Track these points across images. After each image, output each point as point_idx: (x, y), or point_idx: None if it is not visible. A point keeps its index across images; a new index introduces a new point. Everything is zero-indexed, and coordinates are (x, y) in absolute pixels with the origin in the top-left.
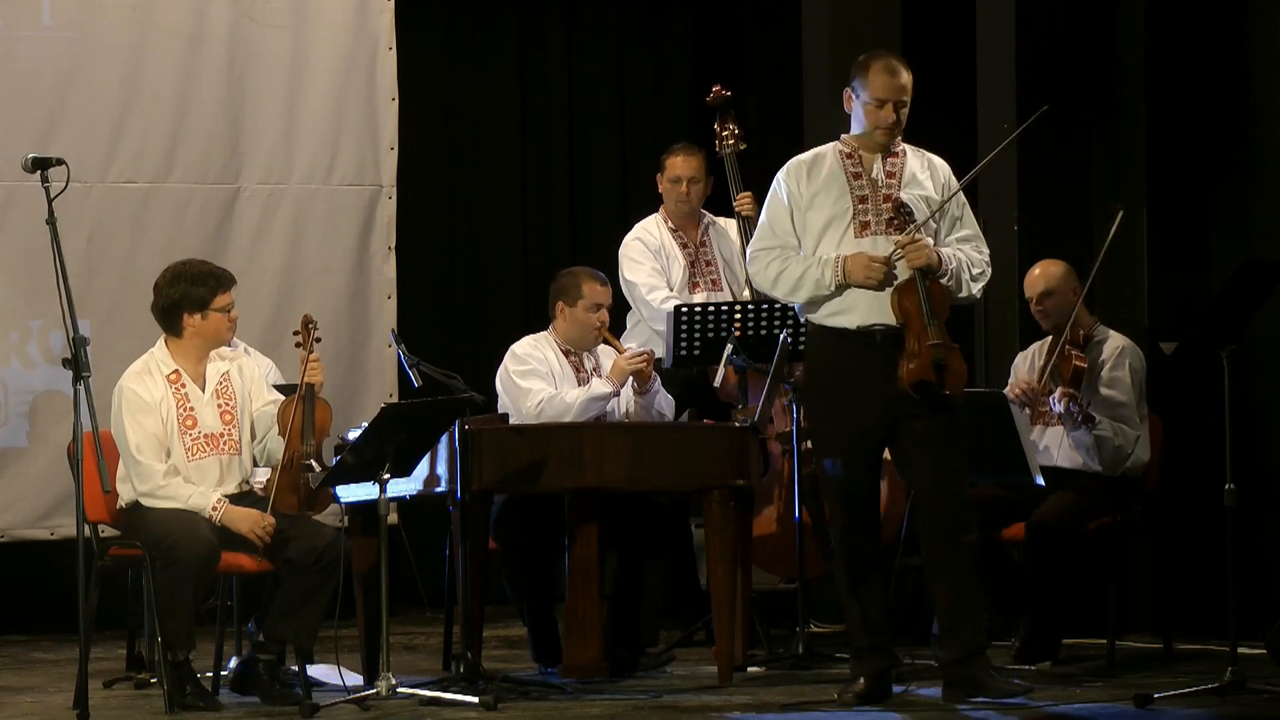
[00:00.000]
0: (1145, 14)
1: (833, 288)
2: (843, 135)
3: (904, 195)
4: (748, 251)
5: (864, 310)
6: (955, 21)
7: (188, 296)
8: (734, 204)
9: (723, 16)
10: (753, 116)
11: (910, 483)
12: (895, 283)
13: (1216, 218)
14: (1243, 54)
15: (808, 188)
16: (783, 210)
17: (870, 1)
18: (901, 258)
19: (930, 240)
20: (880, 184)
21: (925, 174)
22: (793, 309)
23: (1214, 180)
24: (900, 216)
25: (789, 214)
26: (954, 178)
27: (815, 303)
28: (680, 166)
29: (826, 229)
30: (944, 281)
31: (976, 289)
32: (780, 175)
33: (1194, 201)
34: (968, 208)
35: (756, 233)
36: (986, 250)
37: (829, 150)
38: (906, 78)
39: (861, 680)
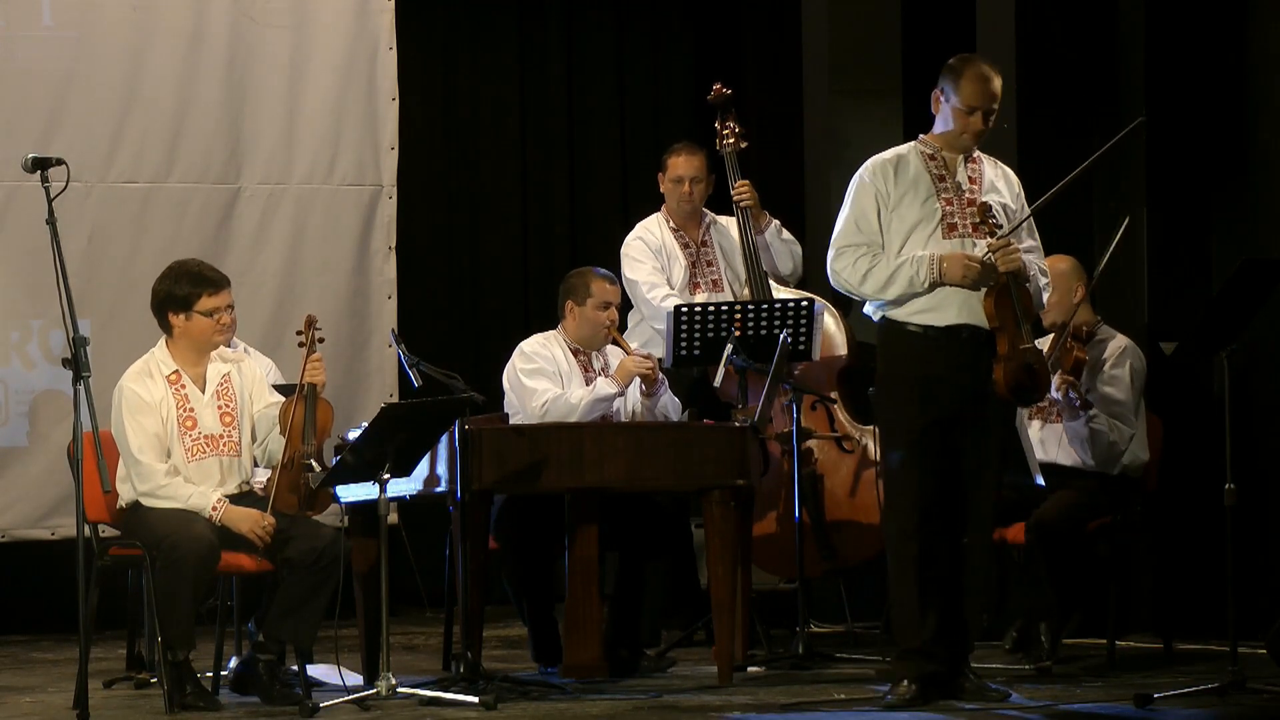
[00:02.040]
0: (1145, 14)
1: (926, 285)
2: (922, 136)
3: (996, 207)
4: (830, 249)
5: (955, 310)
6: (955, 21)
7: (171, 295)
8: (732, 192)
9: (723, 16)
10: (753, 116)
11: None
12: (988, 285)
13: (1216, 218)
14: (1243, 55)
15: (896, 187)
16: (871, 208)
17: (870, 1)
18: (993, 261)
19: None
20: (964, 188)
21: (1002, 183)
22: (793, 307)
23: (1214, 180)
24: (986, 221)
25: (877, 212)
26: (1023, 190)
27: (901, 300)
28: (682, 166)
29: (914, 230)
30: (1029, 287)
31: (1045, 299)
32: (864, 174)
33: (1194, 202)
34: (1032, 220)
35: (840, 230)
36: (1043, 260)
37: (910, 150)
38: (998, 84)
39: (905, 682)
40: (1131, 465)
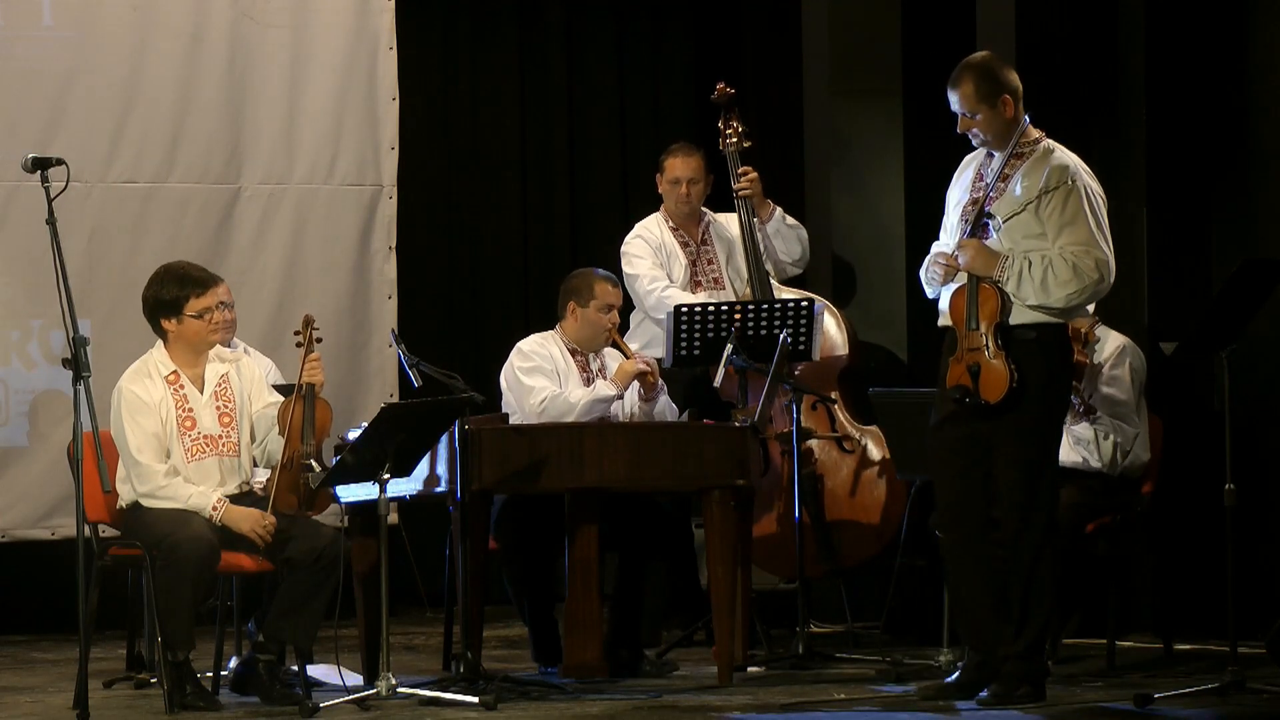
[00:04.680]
0: (1145, 14)
1: (928, 284)
2: None
3: (1000, 201)
4: None
5: (946, 312)
6: (955, 21)
7: (160, 301)
8: (733, 184)
9: (723, 16)
10: (753, 116)
11: None
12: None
13: (1216, 218)
14: (1243, 54)
15: (953, 190)
16: (946, 211)
17: (870, 1)
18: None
19: (983, 243)
20: (991, 186)
21: (1027, 178)
22: (793, 307)
23: (1214, 180)
24: (977, 220)
25: (946, 214)
26: (1072, 182)
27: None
28: (679, 168)
29: (955, 230)
30: (1004, 286)
31: (1056, 298)
32: None
33: (1194, 201)
34: (1083, 212)
35: None
36: (1095, 257)
37: (981, 149)
38: (960, 90)
39: (956, 674)
40: (1131, 465)
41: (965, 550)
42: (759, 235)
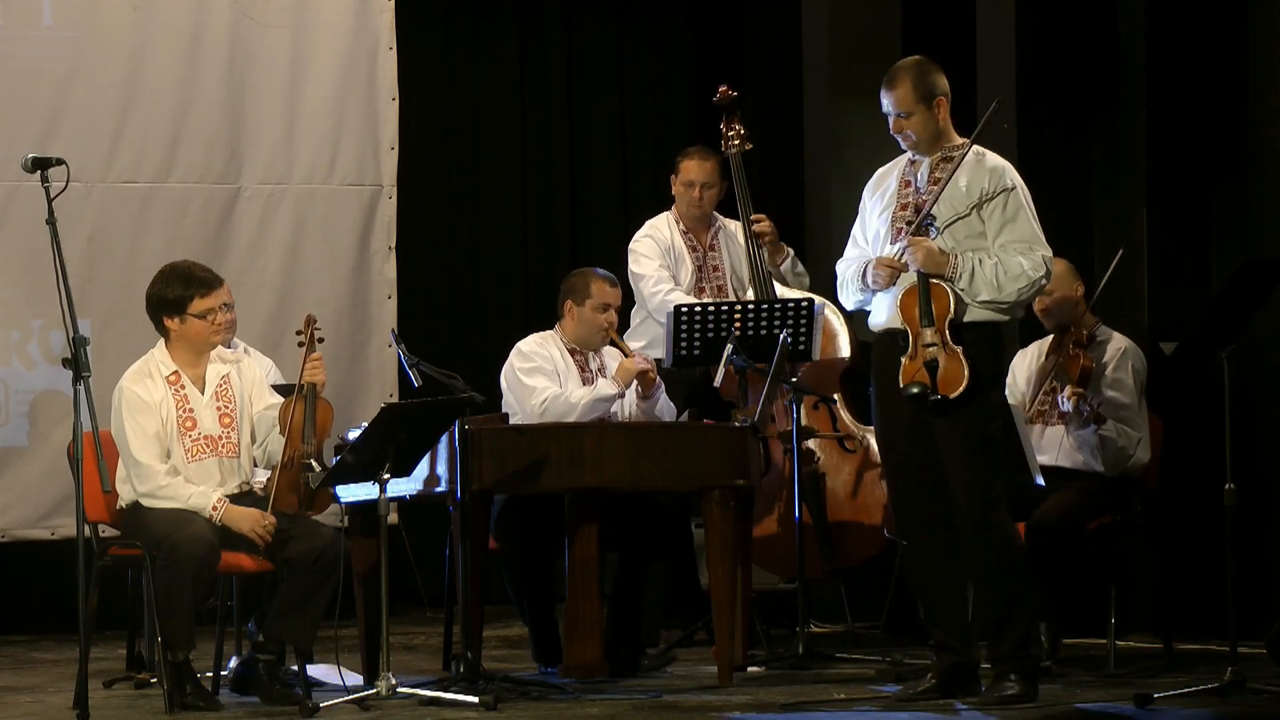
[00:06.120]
0: (1145, 14)
1: (860, 290)
2: None
3: (940, 204)
4: None
5: (886, 313)
6: (955, 21)
7: (163, 299)
8: (749, 223)
9: (723, 16)
10: (753, 117)
11: None
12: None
13: (1216, 218)
14: (1243, 54)
15: (872, 199)
16: (859, 221)
17: (870, 1)
18: (904, 259)
19: (933, 242)
20: (923, 190)
21: (966, 179)
22: (793, 307)
23: (1214, 180)
24: (922, 223)
25: (861, 224)
26: (1012, 184)
27: (865, 306)
28: (694, 171)
29: (885, 237)
30: (957, 285)
31: (1008, 293)
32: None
33: (1194, 202)
34: (1023, 211)
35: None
36: (1039, 254)
37: (901, 158)
38: (895, 93)
39: (929, 675)
40: (1132, 466)
41: (928, 554)
42: (762, 255)
